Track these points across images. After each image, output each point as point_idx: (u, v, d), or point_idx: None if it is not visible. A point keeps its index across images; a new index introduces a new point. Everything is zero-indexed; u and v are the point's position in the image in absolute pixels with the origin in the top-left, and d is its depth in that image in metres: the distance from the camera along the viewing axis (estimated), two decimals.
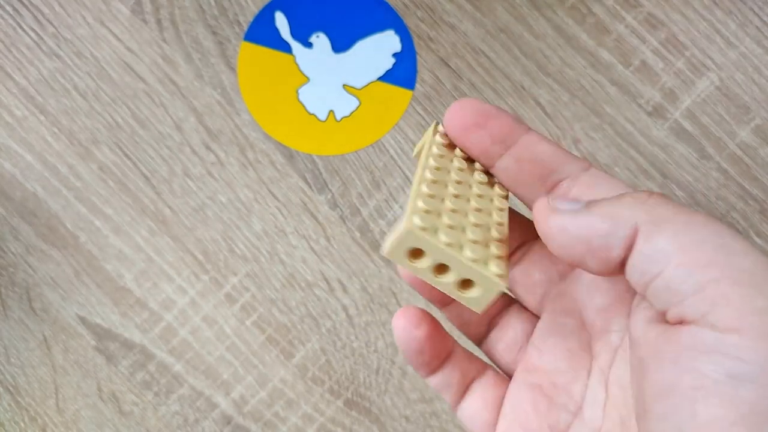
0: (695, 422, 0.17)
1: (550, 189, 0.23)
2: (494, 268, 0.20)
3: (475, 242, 0.21)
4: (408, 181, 0.41)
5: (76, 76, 0.42)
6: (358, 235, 0.41)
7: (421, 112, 0.41)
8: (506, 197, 0.23)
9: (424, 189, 0.22)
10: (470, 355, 0.24)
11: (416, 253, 0.21)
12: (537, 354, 0.23)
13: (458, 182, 0.23)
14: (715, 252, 0.18)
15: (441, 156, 0.23)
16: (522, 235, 0.25)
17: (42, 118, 0.42)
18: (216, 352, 0.41)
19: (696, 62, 0.40)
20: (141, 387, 0.42)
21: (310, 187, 0.41)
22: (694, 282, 0.17)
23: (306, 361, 0.41)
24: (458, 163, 0.23)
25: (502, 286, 0.20)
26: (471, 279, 0.20)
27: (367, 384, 0.41)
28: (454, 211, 0.22)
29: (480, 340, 0.25)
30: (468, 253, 0.20)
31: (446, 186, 0.22)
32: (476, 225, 0.22)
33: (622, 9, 0.40)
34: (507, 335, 0.25)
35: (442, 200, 0.22)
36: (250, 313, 0.41)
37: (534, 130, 0.23)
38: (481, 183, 0.23)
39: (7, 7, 0.42)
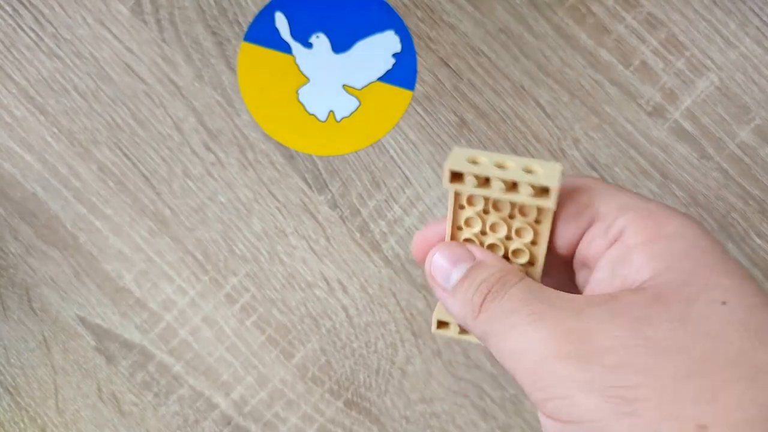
0: None
1: None
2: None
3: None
4: (408, 181, 0.41)
5: (75, 77, 0.42)
6: (358, 235, 0.41)
7: (421, 112, 0.41)
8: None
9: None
10: None
11: None
12: None
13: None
14: None
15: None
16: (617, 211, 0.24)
17: (42, 118, 0.42)
18: (216, 353, 0.41)
19: (696, 62, 0.40)
20: (141, 387, 0.42)
21: (310, 187, 0.41)
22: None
23: (306, 362, 0.41)
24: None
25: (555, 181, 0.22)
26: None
27: (367, 384, 0.41)
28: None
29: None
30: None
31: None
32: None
33: (622, 9, 0.40)
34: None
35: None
36: (250, 313, 0.41)
37: None
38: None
39: (7, 8, 0.42)
